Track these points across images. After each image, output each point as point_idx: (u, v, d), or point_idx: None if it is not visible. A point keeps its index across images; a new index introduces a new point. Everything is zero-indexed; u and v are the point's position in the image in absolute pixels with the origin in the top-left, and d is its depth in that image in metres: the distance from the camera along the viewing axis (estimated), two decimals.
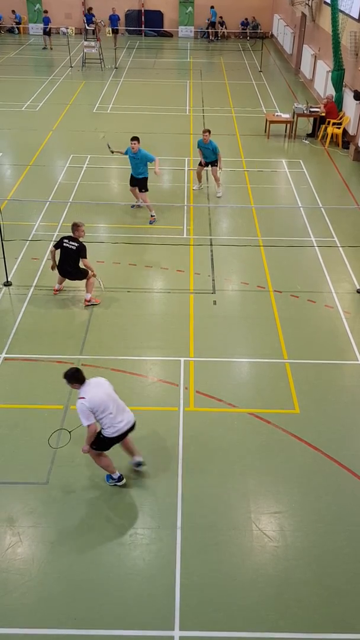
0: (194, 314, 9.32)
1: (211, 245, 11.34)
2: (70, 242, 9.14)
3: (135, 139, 11.55)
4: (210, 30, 31.18)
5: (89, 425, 5.93)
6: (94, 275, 9.36)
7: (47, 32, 28.19)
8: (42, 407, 7.49)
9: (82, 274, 9.33)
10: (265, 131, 17.33)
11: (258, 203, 13.03)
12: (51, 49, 27.79)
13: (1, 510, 6.18)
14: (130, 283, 10.06)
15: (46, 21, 28.49)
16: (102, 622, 5.23)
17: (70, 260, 9.20)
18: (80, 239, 9.22)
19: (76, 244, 9.11)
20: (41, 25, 30.75)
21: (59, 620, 5.24)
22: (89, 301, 9.41)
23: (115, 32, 28.08)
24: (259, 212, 12.60)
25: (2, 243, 10.10)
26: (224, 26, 31.65)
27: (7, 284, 9.91)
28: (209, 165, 13.00)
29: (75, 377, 6.02)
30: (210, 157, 12.88)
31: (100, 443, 6.18)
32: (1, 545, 5.83)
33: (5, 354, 8.35)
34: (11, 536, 5.92)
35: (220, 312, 9.41)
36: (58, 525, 6.05)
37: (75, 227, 9.23)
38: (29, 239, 11.25)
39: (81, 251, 9.11)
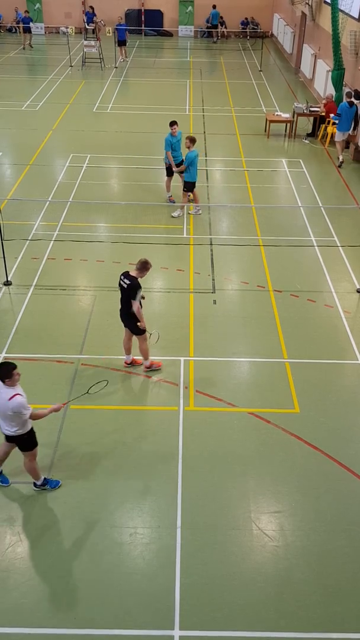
0: (194, 313, 9.32)
1: (211, 244, 11.34)
2: (125, 279, 7.56)
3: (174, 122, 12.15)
4: (213, 30, 30.71)
5: (27, 415, 5.80)
6: (143, 329, 7.76)
7: (27, 30, 27.90)
8: (41, 407, 7.47)
9: (133, 322, 7.72)
10: (265, 131, 17.33)
11: (258, 202, 13.02)
12: (27, 47, 27.67)
13: (1, 510, 6.18)
14: None
15: (26, 21, 28.37)
16: (102, 621, 5.23)
17: (123, 301, 7.71)
18: (140, 279, 7.61)
19: (128, 282, 7.49)
20: (42, 25, 30.80)
21: (59, 619, 5.24)
22: (149, 367, 8.06)
23: (122, 44, 25.19)
24: (258, 211, 12.59)
25: (2, 242, 10.09)
26: (223, 25, 31.62)
27: (7, 283, 9.91)
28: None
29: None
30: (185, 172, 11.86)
31: (34, 437, 6.15)
32: (1, 545, 5.83)
33: (5, 353, 8.35)
34: (11, 536, 5.92)
35: (220, 312, 9.41)
36: (58, 524, 6.04)
37: (141, 265, 7.58)
38: (29, 238, 11.25)
39: (131, 290, 7.48)
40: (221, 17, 31.39)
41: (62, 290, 9.81)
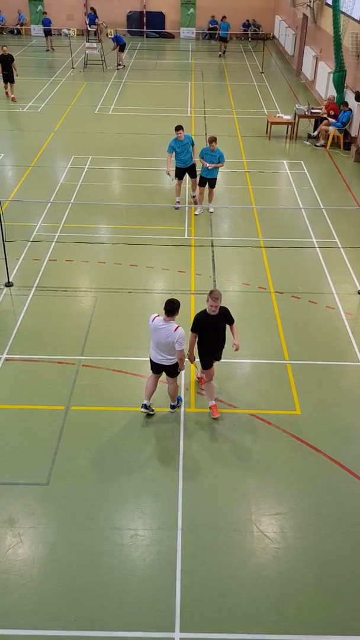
0: (195, 315, 9.29)
1: (212, 246, 11.34)
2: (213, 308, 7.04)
3: (180, 127, 12.01)
4: (221, 44, 28.28)
5: (183, 349, 6.71)
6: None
7: (49, 33, 27.80)
8: (42, 408, 7.49)
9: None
10: (267, 132, 17.34)
11: (259, 204, 13.02)
12: (53, 50, 27.60)
13: (2, 510, 6.18)
14: (132, 284, 10.06)
15: (46, 22, 28.09)
16: (102, 623, 5.22)
17: (216, 333, 7.25)
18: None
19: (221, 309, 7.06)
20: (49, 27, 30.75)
21: (59, 621, 5.23)
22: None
23: (121, 49, 24.63)
24: (260, 213, 12.59)
25: (3, 244, 10.10)
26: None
27: (9, 284, 9.91)
28: (207, 185, 12.15)
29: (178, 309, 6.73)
30: (211, 171, 11.88)
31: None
32: (2, 546, 5.82)
33: (7, 354, 8.35)
34: (12, 537, 5.91)
35: None
36: (58, 526, 6.04)
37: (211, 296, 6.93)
38: (31, 239, 11.26)
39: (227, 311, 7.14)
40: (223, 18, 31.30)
41: (63, 291, 9.82)
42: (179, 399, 7.56)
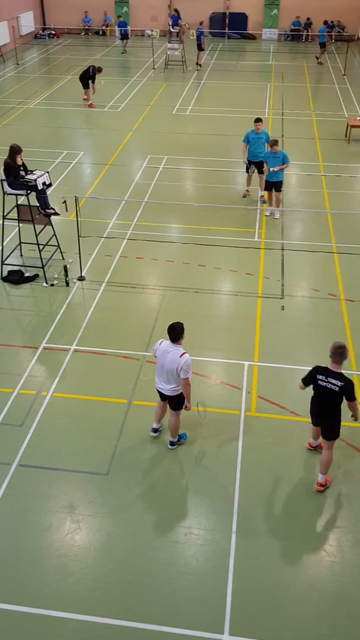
0: (261, 318, 9.23)
1: (282, 249, 11.19)
2: (330, 380, 6.13)
3: (259, 120, 12.46)
4: (320, 50, 26.57)
5: (189, 378, 6.34)
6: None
7: (125, 36, 28.25)
8: (106, 400, 7.68)
9: (335, 425, 6.38)
10: (346, 135, 16.89)
11: (334, 208, 12.71)
12: (124, 51, 27.93)
13: (63, 496, 6.39)
14: (199, 284, 10.11)
15: (122, 25, 28.73)
16: (152, 617, 5.29)
17: (327, 403, 6.28)
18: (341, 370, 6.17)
19: (340, 384, 6.07)
20: (126, 28, 31.42)
21: (111, 610, 5.35)
22: (323, 484, 6.47)
23: (200, 49, 24.73)
24: (334, 217, 12.29)
25: (78, 239, 10.43)
26: (309, 28, 31.01)
27: (81, 278, 10.23)
28: (272, 189, 12.10)
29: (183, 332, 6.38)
30: (275, 173, 11.78)
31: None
32: (61, 531, 6.03)
33: (76, 346, 8.63)
34: (71, 523, 6.11)
35: (288, 318, 9.26)
36: (115, 516, 6.18)
37: (339, 352, 6.14)
38: (104, 236, 11.56)
39: (347, 392, 6.05)
40: (308, 19, 30.80)
41: (132, 288, 10.02)
42: (182, 437, 7.03)
